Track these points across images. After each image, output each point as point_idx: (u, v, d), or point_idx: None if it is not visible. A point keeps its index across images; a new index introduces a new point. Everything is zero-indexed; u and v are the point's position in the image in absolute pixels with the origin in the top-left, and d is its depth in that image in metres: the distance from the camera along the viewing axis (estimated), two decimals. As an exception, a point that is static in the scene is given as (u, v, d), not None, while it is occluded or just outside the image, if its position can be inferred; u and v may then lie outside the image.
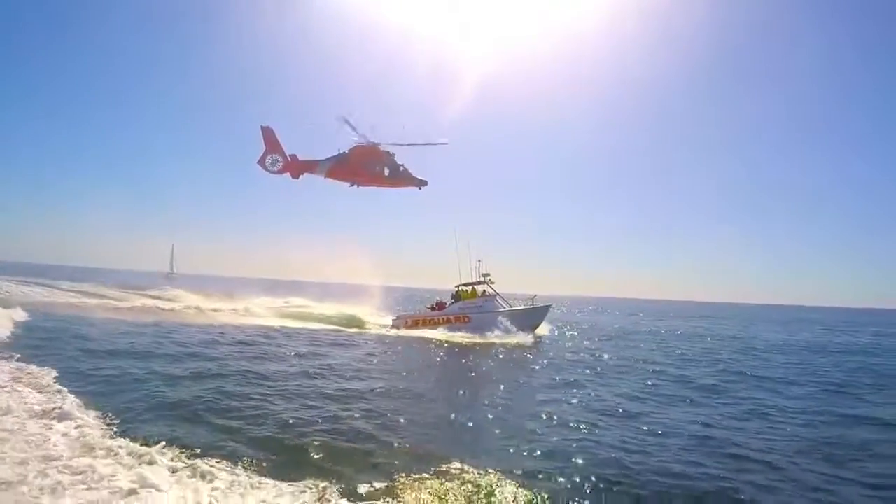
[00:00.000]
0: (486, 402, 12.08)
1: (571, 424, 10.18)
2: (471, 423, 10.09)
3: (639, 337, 32.06)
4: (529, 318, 27.79)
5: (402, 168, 25.69)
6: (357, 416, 10.21)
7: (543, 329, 29.04)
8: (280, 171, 26.13)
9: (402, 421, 9.98)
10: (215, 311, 30.76)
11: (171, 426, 8.98)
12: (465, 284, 28.68)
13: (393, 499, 6.58)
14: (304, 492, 6.62)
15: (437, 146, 26.52)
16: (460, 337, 25.56)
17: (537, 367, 18.04)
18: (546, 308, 29.26)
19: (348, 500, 6.50)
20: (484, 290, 28.35)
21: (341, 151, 26.10)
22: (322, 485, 6.79)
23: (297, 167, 26.05)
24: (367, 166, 25.67)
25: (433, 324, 27.82)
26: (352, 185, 26.08)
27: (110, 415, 9.25)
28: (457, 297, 28.60)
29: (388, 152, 25.79)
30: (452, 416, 10.57)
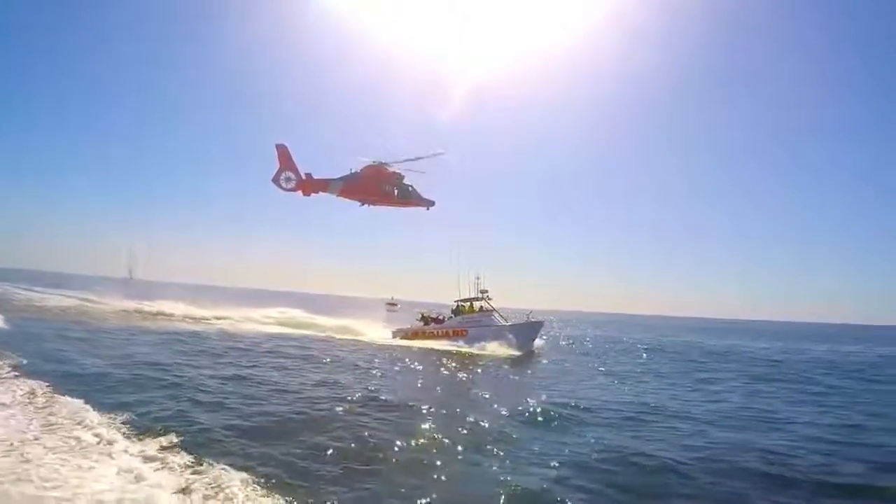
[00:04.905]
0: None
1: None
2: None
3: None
4: (524, 332, 29.26)
5: (410, 188, 27.30)
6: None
7: (538, 342, 30.64)
8: (293, 189, 27.42)
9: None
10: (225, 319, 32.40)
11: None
12: (464, 300, 30.21)
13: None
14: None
15: (437, 159, 27.77)
16: (457, 348, 27.09)
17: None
18: (540, 324, 30.70)
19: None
20: (482, 306, 29.91)
21: (353, 171, 27.65)
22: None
23: (310, 186, 27.40)
24: (377, 186, 27.21)
25: (432, 336, 29.30)
26: (363, 205, 27.59)
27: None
28: (456, 311, 30.14)
29: (398, 172, 27.36)
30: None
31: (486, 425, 11.02)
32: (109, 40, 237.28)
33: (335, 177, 27.70)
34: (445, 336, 29.02)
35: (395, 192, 27.23)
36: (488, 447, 9.66)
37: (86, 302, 37.89)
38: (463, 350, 26.66)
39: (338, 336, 29.97)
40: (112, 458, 7.88)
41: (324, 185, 27.62)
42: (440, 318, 30.71)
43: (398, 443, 9.55)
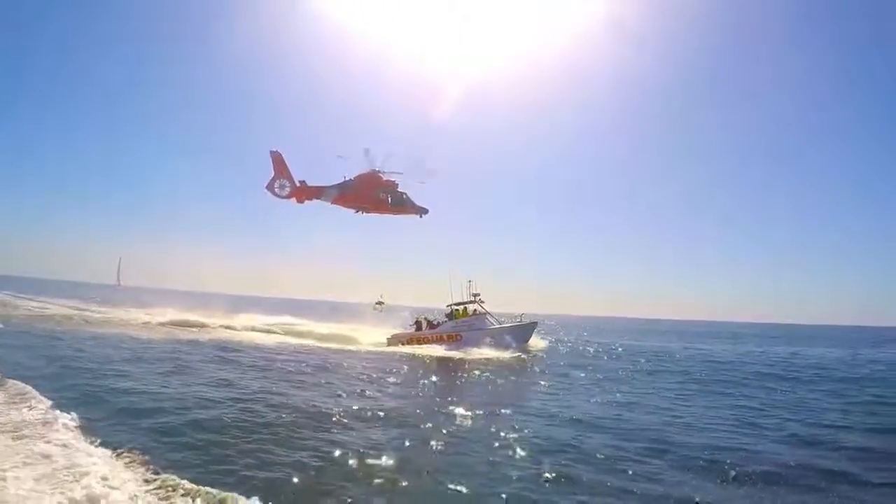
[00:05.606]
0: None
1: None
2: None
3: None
4: (517, 334, 29.85)
5: (404, 196, 27.77)
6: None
7: (538, 342, 31.41)
8: (288, 197, 27.73)
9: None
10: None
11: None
12: (457, 304, 30.65)
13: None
14: None
15: (424, 160, 28.57)
16: (450, 352, 27.32)
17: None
18: (533, 325, 31.36)
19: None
20: (475, 310, 30.40)
21: (347, 178, 28.03)
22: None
23: (304, 193, 27.72)
24: (370, 193, 27.62)
25: (427, 341, 29.59)
26: (357, 212, 27.95)
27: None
28: (451, 315, 30.55)
29: (391, 180, 27.82)
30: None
31: (345, 427, 11.53)
32: (99, 41, 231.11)
33: (329, 184, 28.05)
34: (440, 341, 29.33)
35: (389, 199, 27.64)
36: (324, 439, 10.41)
37: (64, 307, 38.09)
38: (455, 354, 26.91)
39: (324, 344, 29.01)
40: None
41: (318, 193, 27.96)
42: (435, 322, 31.06)
43: (245, 429, 10.67)
